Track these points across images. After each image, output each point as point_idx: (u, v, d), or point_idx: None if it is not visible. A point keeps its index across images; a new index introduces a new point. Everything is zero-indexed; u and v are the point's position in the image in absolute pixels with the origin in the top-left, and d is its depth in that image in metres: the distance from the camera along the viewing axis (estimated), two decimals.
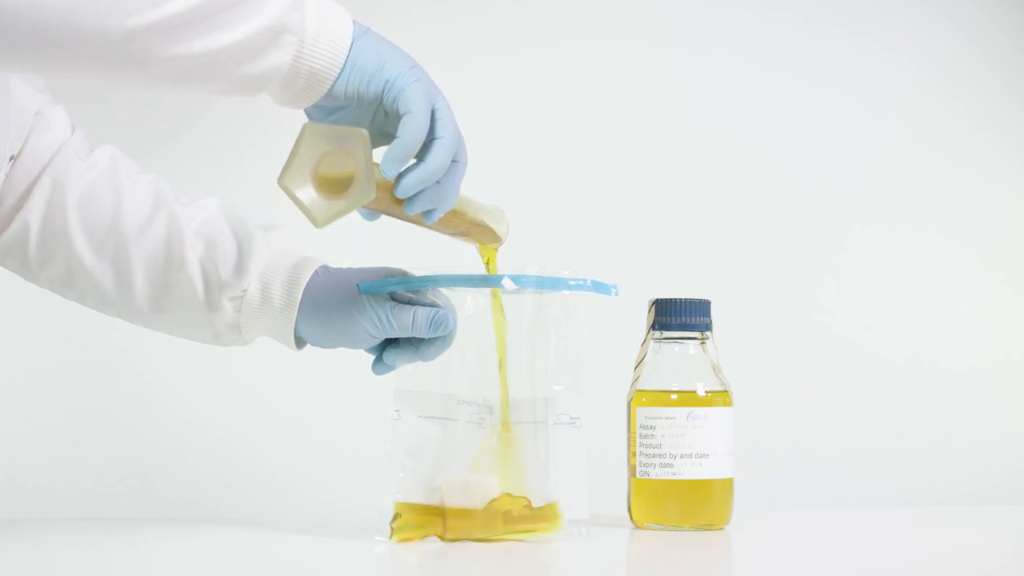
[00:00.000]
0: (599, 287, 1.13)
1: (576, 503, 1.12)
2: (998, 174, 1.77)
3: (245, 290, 1.13)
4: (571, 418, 1.13)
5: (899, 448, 1.73)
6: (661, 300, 1.20)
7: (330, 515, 1.17)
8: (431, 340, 1.11)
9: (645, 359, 1.20)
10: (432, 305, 1.11)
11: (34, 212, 1.15)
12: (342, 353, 1.17)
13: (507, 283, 1.10)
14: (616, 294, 1.13)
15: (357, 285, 1.11)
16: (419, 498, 1.10)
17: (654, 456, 1.17)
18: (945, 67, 1.76)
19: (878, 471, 1.71)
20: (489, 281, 1.10)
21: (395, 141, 1.02)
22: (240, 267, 1.13)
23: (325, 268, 1.15)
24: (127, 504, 1.61)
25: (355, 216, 1.00)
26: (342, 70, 1.01)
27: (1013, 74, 1.77)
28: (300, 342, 1.15)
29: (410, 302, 1.11)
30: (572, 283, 1.12)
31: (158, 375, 1.61)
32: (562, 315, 1.12)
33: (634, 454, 1.19)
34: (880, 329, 1.74)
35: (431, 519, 1.10)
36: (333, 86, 1.01)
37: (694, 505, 1.17)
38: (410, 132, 1.01)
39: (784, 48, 1.74)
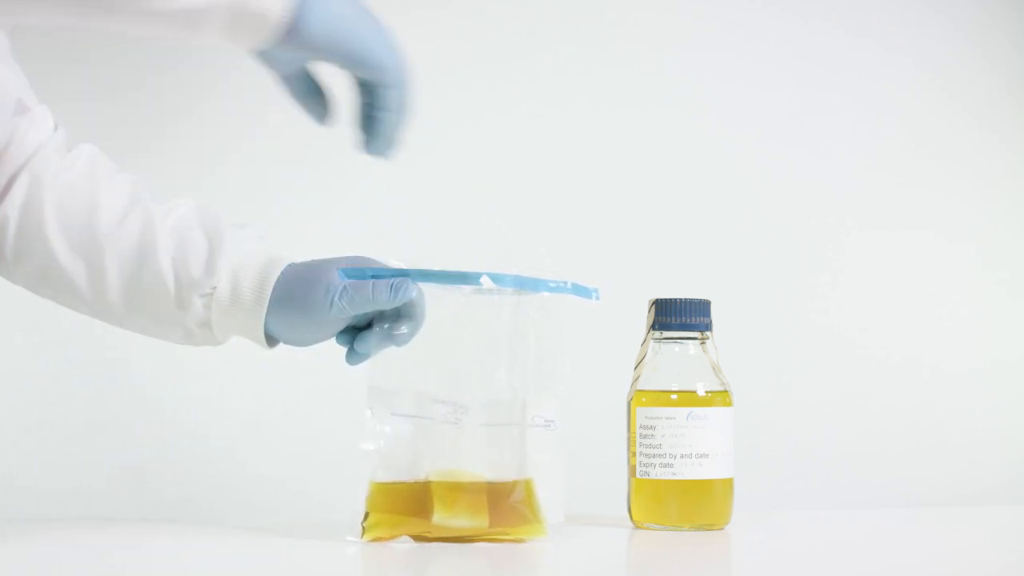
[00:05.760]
0: (580, 290, 1.12)
1: (551, 506, 1.11)
2: (998, 175, 1.77)
3: (215, 288, 1.13)
4: (546, 421, 1.12)
5: (898, 448, 1.73)
6: (661, 300, 1.20)
7: (325, 516, 1.17)
8: (401, 322, 1.10)
9: (645, 359, 1.20)
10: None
11: (12, 208, 1.15)
12: (339, 355, 1.17)
13: (485, 281, 1.09)
14: (597, 298, 1.12)
15: (339, 271, 1.11)
16: (395, 493, 1.09)
17: (654, 456, 1.17)
18: (944, 67, 1.76)
19: (878, 471, 1.71)
20: (467, 279, 1.10)
21: (388, 117, 1.04)
22: (210, 265, 1.13)
23: (293, 264, 1.15)
24: (126, 504, 1.61)
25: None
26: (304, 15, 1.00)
27: (1013, 74, 1.77)
28: (272, 341, 1.15)
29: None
30: (552, 285, 1.11)
31: (157, 375, 1.61)
32: (541, 317, 1.11)
33: (634, 454, 1.19)
34: (879, 330, 1.74)
35: (404, 518, 1.09)
36: (294, 31, 1.00)
37: (694, 505, 1.17)
38: (398, 108, 1.03)
39: (783, 48, 1.73)
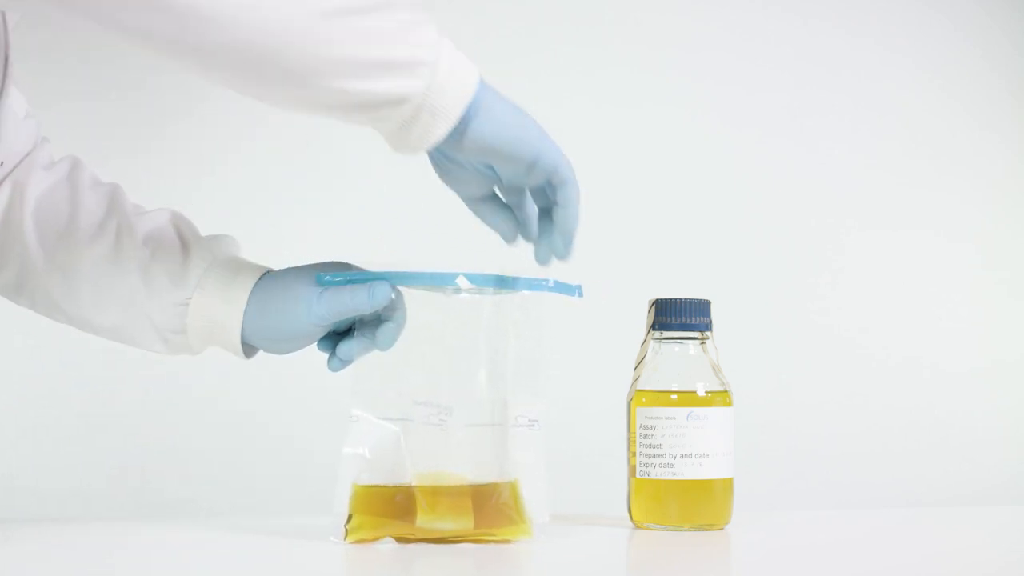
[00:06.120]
0: (562, 287, 1.11)
1: (536, 506, 1.10)
2: (997, 175, 1.77)
3: (189, 298, 1.13)
4: (529, 420, 1.11)
5: (898, 448, 1.73)
6: (661, 300, 1.20)
7: (315, 518, 1.17)
8: (383, 324, 1.10)
9: (645, 359, 1.20)
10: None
11: None
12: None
13: (462, 282, 1.08)
14: (580, 295, 1.12)
15: (315, 276, 1.11)
16: (379, 496, 1.08)
17: (654, 456, 1.17)
18: (944, 67, 1.76)
19: (877, 471, 1.71)
20: (444, 279, 1.09)
21: (566, 213, 1.07)
22: (185, 275, 1.13)
23: (270, 273, 1.15)
24: (126, 504, 1.61)
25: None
26: (475, 114, 1.02)
27: (1013, 74, 1.77)
28: (250, 350, 1.15)
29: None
30: (531, 283, 1.10)
31: (157, 376, 1.61)
32: (521, 316, 1.10)
33: (634, 454, 1.19)
34: (879, 330, 1.74)
35: (387, 520, 1.08)
36: (467, 132, 1.02)
37: (694, 505, 1.17)
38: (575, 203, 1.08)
39: (783, 48, 1.74)
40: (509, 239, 1.11)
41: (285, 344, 1.13)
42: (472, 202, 1.10)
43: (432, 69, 1.00)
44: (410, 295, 1.10)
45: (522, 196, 1.10)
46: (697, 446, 1.17)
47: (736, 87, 1.72)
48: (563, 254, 1.09)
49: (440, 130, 1.02)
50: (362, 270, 1.11)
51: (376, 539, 1.08)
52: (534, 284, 1.10)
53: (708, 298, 1.21)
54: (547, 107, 1.67)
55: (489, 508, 1.08)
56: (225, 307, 1.12)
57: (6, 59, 1.13)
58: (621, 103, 1.70)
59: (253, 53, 0.95)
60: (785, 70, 1.73)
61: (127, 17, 0.93)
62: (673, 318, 1.20)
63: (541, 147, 1.05)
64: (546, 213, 1.09)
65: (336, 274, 1.10)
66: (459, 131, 1.03)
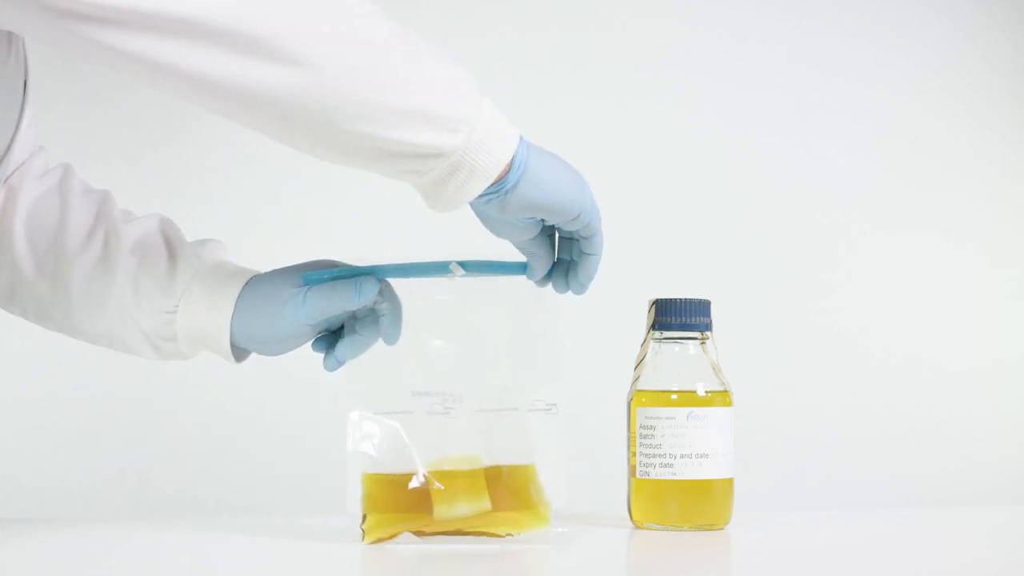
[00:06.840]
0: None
1: (556, 489, 1.10)
2: (998, 175, 1.77)
3: (177, 305, 1.13)
4: (547, 404, 1.11)
5: (898, 449, 1.73)
6: (661, 300, 1.20)
7: (326, 518, 1.17)
8: (381, 319, 1.10)
9: (645, 359, 1.20)
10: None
11: None
12: None
13: (455, 268, 1.08)
14: None
15: (301, 276, 1.10)
16: (392, 492, 1.08)
17: (654, 456, 1.17)
18: (944, 67, 1.76)
19: (877, 471, 1.71)
20: (437, 268, 1.09)
21: (592, 260, 1.08)
22: (172, 282, 1.13)
23: (257, 277, 1.14)
24: (125, 505, 1.61)
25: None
26: (517, 178, 1.02)
27: (1013, 74, 1.77)
28: (242, 353, 1.15)
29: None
30: (523, 267, 1.10)
31: (156, 377, 1.61)
32: (533, 300, 1.10)
33: (634, 454, 1.19)
34: (879, 329, 1.74)
35: (403, 516, 1.08)
36: (511, 195, 1.02)
37: (694, 505, 1.17)
38: (600, 252, 1.09)
39: (783, 49, 1.74)
40: (536, 276, 1.10)
41: (276, 346, 1.12)
42: (518, 242, 1.10)
43: (471, 125, 0.99)
44: (407, 287, 1.10)
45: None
46: (697, 446, 1.17)
47: (738, 88, 1.72)
48: (580, 292, 1.10)
49: (475, 188, 1.01)
50: (347, 266, 1.11)
51: (393, 536, 1.08)
52: (525, 268, 1.10)
53: (708, 298, 1.21)
54: (546, 107, 1.68)
55: (503, 488, 1.08)
56: (212, 313, 1.12)
57: (25, 84, 1.14)
58: (617, 103, 1.70)
59: (287, 93, 0.94)
60: (785, 71, 1.73)
61: (167, 52, 0.92)
62: (673, 318, 1.20)
63: (583, 200, 1.06)
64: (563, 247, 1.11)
65: (321, 272, 1.10)
66: (502, 193, 1.02)
